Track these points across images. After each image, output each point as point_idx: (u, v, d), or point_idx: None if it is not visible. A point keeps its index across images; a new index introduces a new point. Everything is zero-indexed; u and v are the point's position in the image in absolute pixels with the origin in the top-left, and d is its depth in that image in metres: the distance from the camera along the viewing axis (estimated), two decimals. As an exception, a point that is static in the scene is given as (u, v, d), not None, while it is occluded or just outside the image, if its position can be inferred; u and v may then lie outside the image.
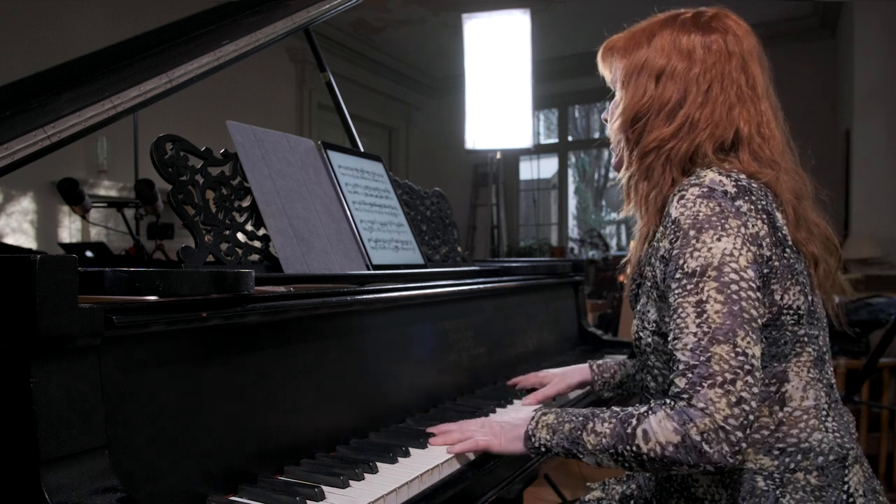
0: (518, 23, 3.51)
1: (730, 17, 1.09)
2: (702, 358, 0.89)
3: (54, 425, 0.69)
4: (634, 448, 0.91)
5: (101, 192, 4.72)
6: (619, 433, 0.94)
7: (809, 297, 1.01)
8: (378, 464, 1.01)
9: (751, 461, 0.98)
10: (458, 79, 3.87)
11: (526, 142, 3.59)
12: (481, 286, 1.60)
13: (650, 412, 0.92)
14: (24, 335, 0.68)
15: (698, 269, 0.92)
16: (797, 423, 0.98)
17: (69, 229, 4.59)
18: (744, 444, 0.87)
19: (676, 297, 0.94)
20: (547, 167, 8.62)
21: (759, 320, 0.92)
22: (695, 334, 0.90)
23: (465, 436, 1.10)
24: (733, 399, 0.86)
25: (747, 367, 0.88)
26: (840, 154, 6.14)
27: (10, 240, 4.14)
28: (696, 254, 0.93)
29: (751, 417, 0.87)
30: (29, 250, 2.45)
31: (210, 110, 5.02)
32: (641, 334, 1.08)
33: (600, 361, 1.47)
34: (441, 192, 1.98)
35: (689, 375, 0.89)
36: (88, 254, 2.87)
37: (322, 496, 0.88)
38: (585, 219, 8.58)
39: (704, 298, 0.91)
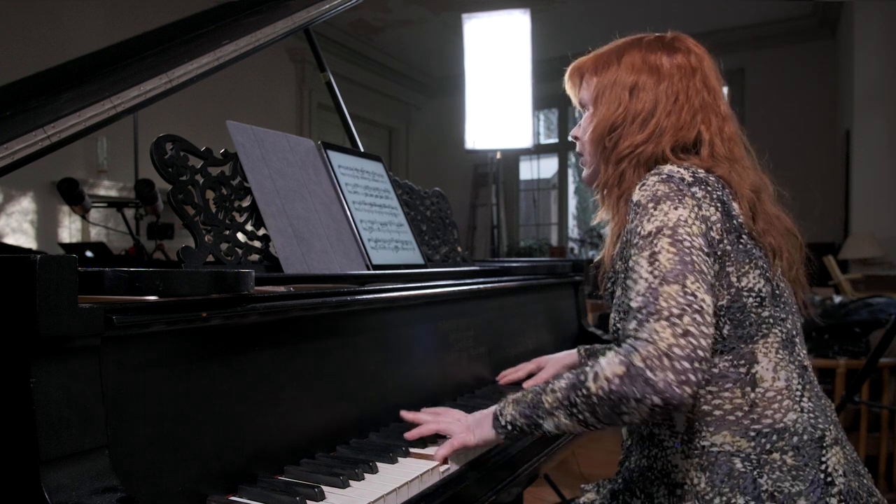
0: (518, 23, 3.51)
1: (689, 40, 1.19)
2: (650, 298, 0.92)
3: (54, 425, 0.69)
4: (584, 391, 0.94)
5: (101, 192, 4.72)
6: (573, 382, 0.97)
7: (773, 282, 1.05)
8: (378, 464, 1.01)
9: (728, 444, 1.01)
10: (458, 79, 3.87)
11: (526, 142, 3.59)
12: (481, 286, 1.60)
13: (599, 360, 0.95)
14: (24, 335, 0.68)
15: (653, 230, 0.97)
16: (771, 404, 1.01)
17: (69, 229, 4.59)
18: (692, 377, 0.87)
19: (633, 257, 0.99)
20: (547, 167, 8.62)
21: (709, 277, 0.95)
22: (646, 279, 0.94)
23: (441, 428, 1.12)
24: (679, 331, 0.88)
25: (696, 306, 0.90)
26: (840, 154, 6.14)
27: (10, 240, 4.14)
28: (652, 219, 0.99)
29: (700, 353, 0.88)
30: (29, 250, 2.45)
31: (210, 110, 5.02)
32: (619, 325, 1.10)
33: (588, 346, 1.53)
34: (441, 192, 1.98)
35: (639, 316, 0.93)
36: (88, 254, 2.87)
37: (322, 496, 0.88)
38: (585, 219, 8.57)
39: (657, 250, 0.95)
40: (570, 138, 1.28)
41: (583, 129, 1.23)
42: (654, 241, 0.96)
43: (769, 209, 1.11)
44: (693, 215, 0.98)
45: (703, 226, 0.99)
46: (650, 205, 1.00)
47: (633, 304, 0.95)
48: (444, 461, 1.06)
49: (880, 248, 5.16)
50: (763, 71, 7.01)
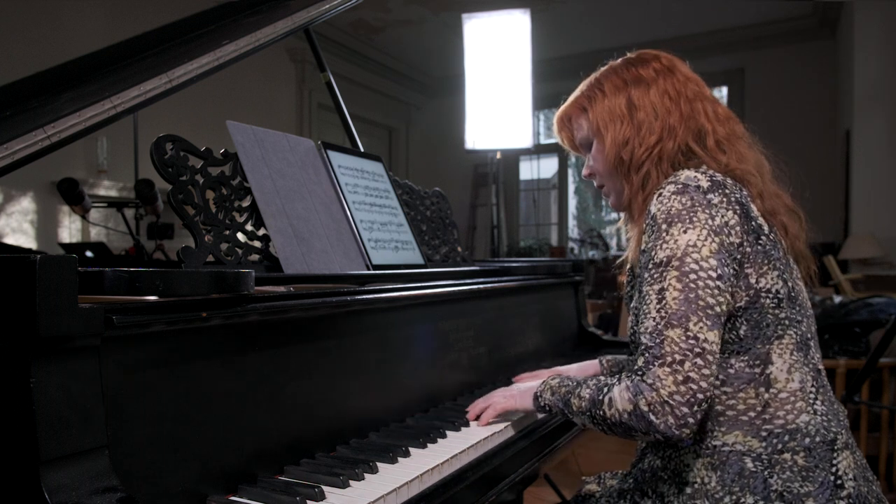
0: (518, 23, 3.51)
1: (651, 52, 1.23)
2: (657, 340, 0.98)
3: (54, 425, 0.69)
4: (601, 412, 1.03)
5: (101, 192, 4.72)
6: (594, 398, 1.06)
7: (790, 284, 1.08)
8: (378, 464, 1.01)
9: (739, 443, 1.03)
10: (458, 79, 3.87)
11: (526, 142, 3.59)
12: (481, 286, 1.59)
13: (617, 383, 1.03)
14: (24, 335, 0.68)
15: (664, 259, 1.02)
16: (784, 405, 1.03)
17: (69, 229, 4.59)
18: (690, 420, 0.95)
19: (646, 285, 1.04)
20: (547, 167, 8.62)
21: (717, 307, 0.99)
22: (654, 319, 1.00)
23: (488, 403, 1.27)
24: (680, 378, 0.95)
25: (697, 349, 0.96)
26: (840, 154, 6.14)
27: (10, 240, 4.14)
28: (664, 245, 1.02)
29: (699, 396, 0.95)
30: (29, 250, 2.45)
31: (210, 110, 5.02)
32: (636, 328, 1.11)
33: (610, 357, 1.53)
34: (441, 192, 1.98)
35: (646, 355, 0.99)
36: (88, 254, 2.87)
37: (322, 496, 0.88)
38: (585, 219, 8.58)
39: (665, 286, 1.00)
40: (583, 177, 1.31)
41: (595, 162, 1.25)
42: (664, 274, 1.01)
43: (770, 188, 1.14)
44: (705, 233, 1.00)
45: (718, 238, 1.01)
46: (664, 226, 1.03)
47: (643, 339, 1.01)
48: (488, 424, 1.24)
49: (880, 248, 5.16)
50: (763, 71, 7.01)
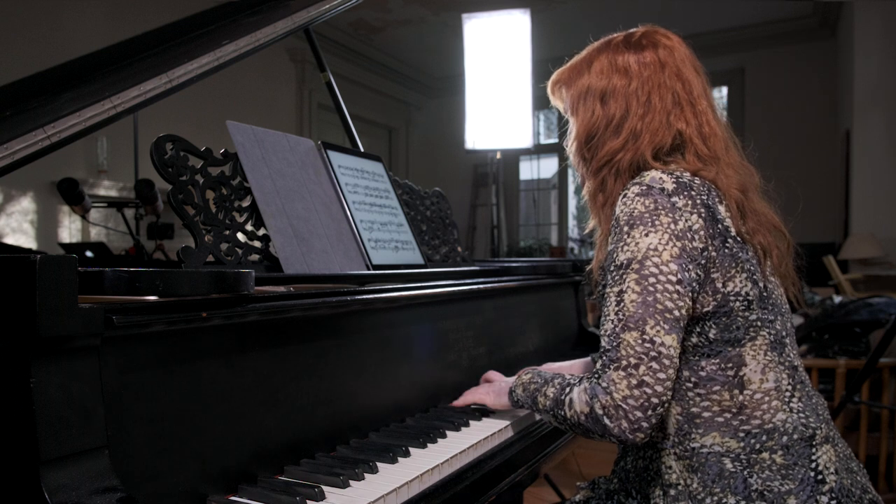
0: (518, 23, 3.51)
1: (658, 33, 1.18)
2: (613, 343, 0.98)
3: (54, 425, 0.69)
4: (563, 412, 1.04)
5: (101, 192, 4.72)
6: (556, 398, 1.07)
7: (761, 284, 1.05)
8: (378, 464, 1.01)
9: (717, 444, 1.02)
10: (458, 79, 3.87)
11: (526, 142, 3.59)
12: (481, 286, 1.59)
13: (577, 384, 1.04)
14: (24, 335, 0.68)
15: (624, 262, 1.00)
16: (759, 405, 1.02)
17: (69, 229, 4.59)
18: (644, 424, 0.95)
19: (608, 287, 1.03)
20: (547, 167, 8.62)
21: (676, 311, 0.98)
22: (612, 321, 0.99)
23: (475, 398, 1.33)
24: (634, 382, 0.95)
25: (653, 353, 0.95)
26: (840, 154, 6.14)
27: (10, 240, 4.14)
28: (625, 248, 1.01)
29: (654, 400, 0.95)
30: (29, 250, 2.45)
31: (210, 110, 5.02)
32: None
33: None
34: (441, 192, 1.98)
35: (604, 358, 0.99)
36: (88, 254, 2.87)
37: (322, 496, 0.88)
38: (585, 219, 8.56)
39: (624, 289, 0.99)
40: (564, 146, 1.29)
41: (569, 139, 1.25)
42: (624, 277, 1.00)
43: (757, 206, 1.11)
44: (666, 237, 0.99)
45: (680, 243, 0.99)
46: (626, 228, 1.02)
47: (602, 343, 1.01)
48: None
49: (880, 248, 5.16)
50: (763, 71, 7.01)
